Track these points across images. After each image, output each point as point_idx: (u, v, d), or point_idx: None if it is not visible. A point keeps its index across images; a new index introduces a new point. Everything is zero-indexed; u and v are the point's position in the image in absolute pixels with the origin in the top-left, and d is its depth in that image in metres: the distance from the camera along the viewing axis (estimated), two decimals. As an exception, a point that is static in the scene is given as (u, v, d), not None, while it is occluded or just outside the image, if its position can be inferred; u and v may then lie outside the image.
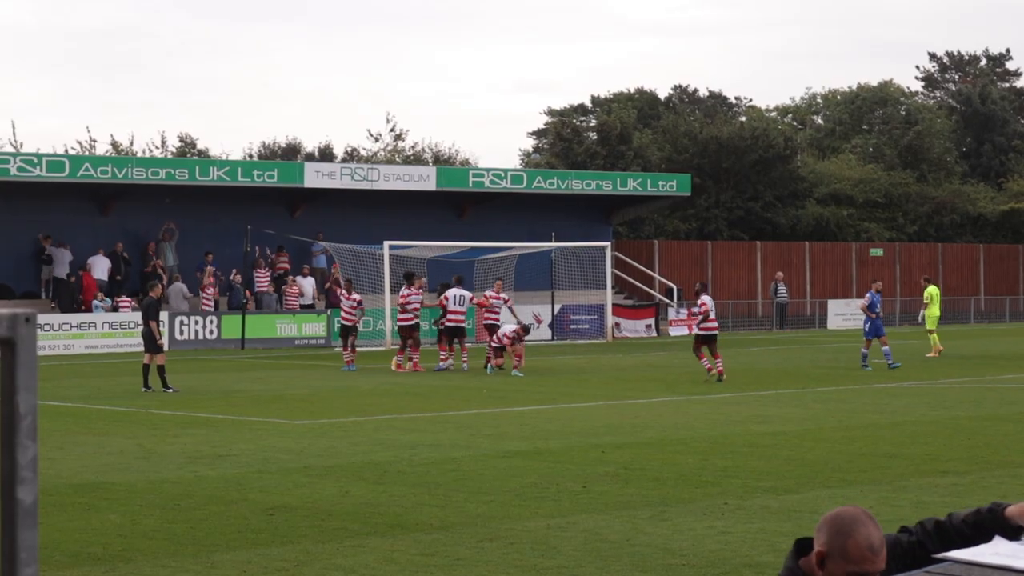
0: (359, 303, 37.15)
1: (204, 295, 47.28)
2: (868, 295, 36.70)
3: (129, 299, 46.42)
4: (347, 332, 36.62)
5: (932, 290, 42.42)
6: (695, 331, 34.00)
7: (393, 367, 35.71)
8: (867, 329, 35.88)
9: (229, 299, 48.10)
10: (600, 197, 56.87)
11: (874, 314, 35.74)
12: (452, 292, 36.45)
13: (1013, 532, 4.64)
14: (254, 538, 13.19)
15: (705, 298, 33.57)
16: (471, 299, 36.89)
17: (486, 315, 36.95)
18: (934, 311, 41.71)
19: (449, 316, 36.30)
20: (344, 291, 37.42)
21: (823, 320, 60.04)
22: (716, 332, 33.67)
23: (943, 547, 4.62)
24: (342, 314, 37.33)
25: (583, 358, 40.58)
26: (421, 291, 37.24)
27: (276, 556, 12.37)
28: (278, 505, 14.94)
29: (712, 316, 33.48)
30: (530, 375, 33.80)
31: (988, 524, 4.69)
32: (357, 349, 37.14)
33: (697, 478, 16.78)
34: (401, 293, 36.92)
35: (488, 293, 37.33)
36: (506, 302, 37.07)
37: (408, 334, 36.02)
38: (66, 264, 46.86)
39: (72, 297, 45.99)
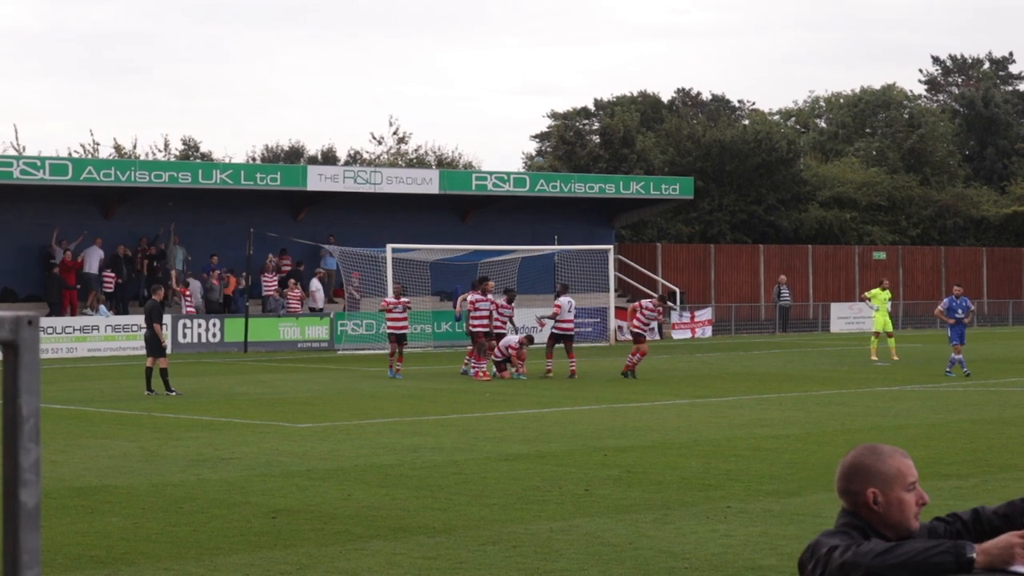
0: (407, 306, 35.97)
1: (187, 299, 46.34)
2: (946, 300, 36.15)
3: (113, 274, 46.36)
4: (399, 339, 35.00)
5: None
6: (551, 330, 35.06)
7: (485, 376, 34.33)
8: (952, 335, 34.88)
9: (235, 301, 47.99)
10: (603, 200, 56.85)
11: (952, 319, 34.95)
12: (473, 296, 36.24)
13: None
14: (257, 541, 13.20)
15: (561, 299, 34.78)
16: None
17: (635, 323, 34.74)
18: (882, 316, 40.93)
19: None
20: (393, 296, 35.92)
21: (826, 323, 59.98)
22: (570, 332, 34.75)
23: (979, 538, 4.46)
24: (389, 321, 35.55)
25: (586, 361, 40.55)
26: (490, 295, 35.37)
27: (279, 559, 12.38)
28: (281, 508, 14.95)
29: (565, 317, 34.45)
30: (532, 378, 33.81)
31: (1019, 517, 4.56)
32: (355, 352, 36.65)
33: (700, 481, 16.79)
34: (470, 299, 35.55)
35: (644, 302, 35.53)
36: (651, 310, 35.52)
37: (476, 340, 34.61)
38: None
39: (57, 283, 45.49)
